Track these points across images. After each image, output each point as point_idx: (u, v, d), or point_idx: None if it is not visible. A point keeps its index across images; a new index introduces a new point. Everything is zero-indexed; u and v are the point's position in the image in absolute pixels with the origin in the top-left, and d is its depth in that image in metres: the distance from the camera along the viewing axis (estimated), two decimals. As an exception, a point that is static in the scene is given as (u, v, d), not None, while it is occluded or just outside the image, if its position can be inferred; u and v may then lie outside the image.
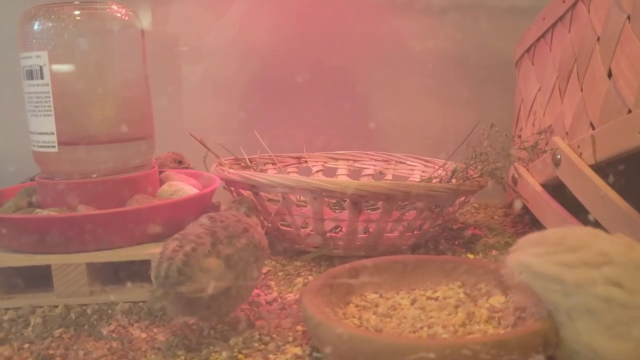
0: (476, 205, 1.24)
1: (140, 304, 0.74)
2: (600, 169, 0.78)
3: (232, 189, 0.94)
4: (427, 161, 1.15)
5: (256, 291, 0.78)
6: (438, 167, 1.08)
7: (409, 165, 1.18)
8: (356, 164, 1.22)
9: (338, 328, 0.52)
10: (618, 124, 0.72)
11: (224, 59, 1.30)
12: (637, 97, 0.70)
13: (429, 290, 0.67)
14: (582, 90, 0.84)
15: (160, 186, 0.88)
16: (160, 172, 0.92)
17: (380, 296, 0.67)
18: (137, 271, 0.76)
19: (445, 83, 1.28)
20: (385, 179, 1.18)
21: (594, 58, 0.82)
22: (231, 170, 0.91)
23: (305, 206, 0.87)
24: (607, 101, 0.76)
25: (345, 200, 0.84)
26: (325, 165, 1.22)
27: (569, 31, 0.92)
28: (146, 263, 0.73)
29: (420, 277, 0.70)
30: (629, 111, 0.71)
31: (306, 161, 1.22)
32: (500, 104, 1.22)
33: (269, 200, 0.94)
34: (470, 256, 0.92)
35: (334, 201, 0.97)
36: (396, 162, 1.20)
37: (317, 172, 1.21)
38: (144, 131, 0.86)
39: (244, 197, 0.80)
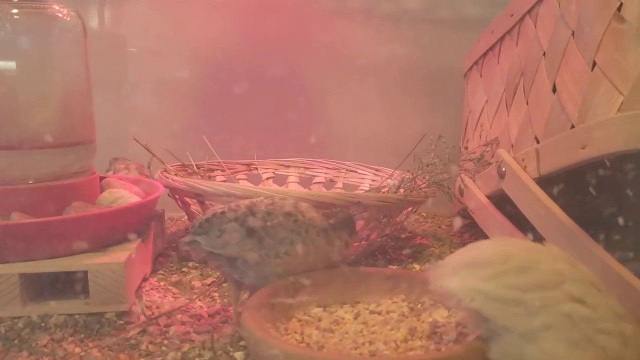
0: (424, 214, 1.25)
1: (76, 316, 0.70)
2: (547, 180, 0.79)
3: (177, 197, 0.92)
4: (377, 170, 1.15)
5: (198, 303, 0.76)
6: (387, 176, 1.07)
7: (359, 173, 1.18)
8: (307, 172, 1.21)
9: (274, 348, 0.51)
10: (562, 139, 0.73)
11: (173, 61, 1.27)
12: (580, 113, 0.71)
13: (372, 304, 0.66)
14: (527, 103, 0.85)
15: (101, 193, 0.85)
16: (102, 179, 0.88)
17: (324, 310, 0.66)
18: (74, 282, 0.73)
19: (396, 92, 1.29)
20: (336, 187, 1.17)
21: (540, 72, 0.83)
22: (176, 178, 0.89)
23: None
24: (551, 116, 0.77)
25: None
26: (276, 172, 1.21)
27: (517, 45, 0.93)
28: (83, 273, 0.70)
29: (364, 289, 0.69)
30: (572, 126, 0.72)
31: (256, 168, 1.20)
32: (450, 114, 1.23)
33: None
34: (417, 266, 0.92)
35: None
36: (347, 170, 1.19)
37: (267, 179, 1.19)
38: (84, 136, 0.82)
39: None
